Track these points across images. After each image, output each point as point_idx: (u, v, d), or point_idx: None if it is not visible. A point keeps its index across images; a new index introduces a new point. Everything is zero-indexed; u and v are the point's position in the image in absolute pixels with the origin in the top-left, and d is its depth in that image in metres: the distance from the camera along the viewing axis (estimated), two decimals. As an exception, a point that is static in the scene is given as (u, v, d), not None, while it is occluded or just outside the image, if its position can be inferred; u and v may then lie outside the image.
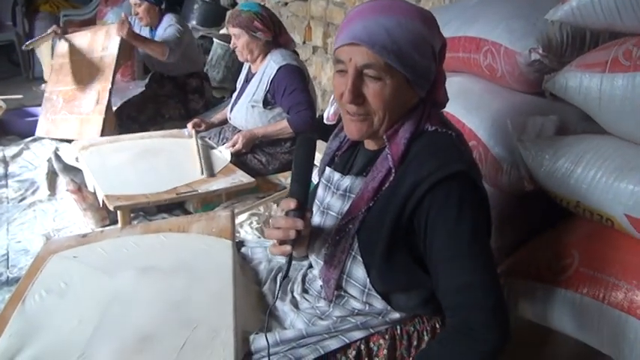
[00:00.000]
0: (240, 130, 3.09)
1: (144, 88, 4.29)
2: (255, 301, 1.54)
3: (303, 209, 1.29)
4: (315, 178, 1.90)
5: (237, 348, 1.29)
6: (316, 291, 1.47)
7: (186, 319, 1.38)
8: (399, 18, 1.21)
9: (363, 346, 1.33)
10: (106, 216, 2.88)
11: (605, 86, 1.46)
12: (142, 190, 2.48)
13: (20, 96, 4.69)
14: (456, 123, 1.67)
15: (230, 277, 1.53)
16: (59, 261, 1.69)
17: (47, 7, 6.53)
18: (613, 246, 1.46)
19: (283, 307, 1.46)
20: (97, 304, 1.47)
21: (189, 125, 3.24)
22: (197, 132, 3.18)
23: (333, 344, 1.31)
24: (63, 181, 3.17)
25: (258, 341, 1.32)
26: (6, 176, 3.68)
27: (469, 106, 1.85)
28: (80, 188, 2.83)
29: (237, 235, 2.39)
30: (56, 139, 4.16)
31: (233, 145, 2.94)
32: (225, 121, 3.38)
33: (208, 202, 2.75)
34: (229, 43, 3.17)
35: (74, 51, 4.21)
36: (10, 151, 4.06)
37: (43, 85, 4.46)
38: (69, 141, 3.80)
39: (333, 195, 1.43)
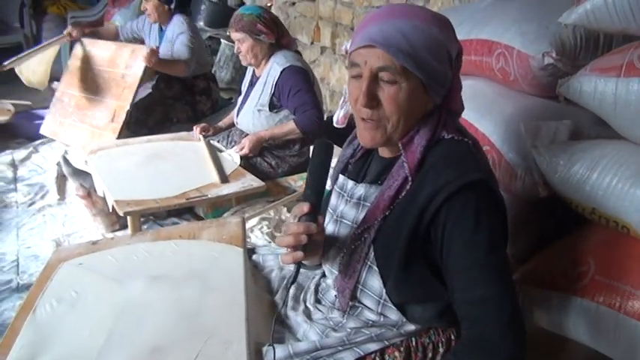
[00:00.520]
0: (247, 134, 3.08)
1: (150, 90, 4.30)
2: (267, 310, 1.53)
3: (315, 214, 1.28)
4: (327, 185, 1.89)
5: (250, 360, 1.28)
6: (329, 301, 1.45)
7: (197, 330, 1.36)
8: (415, 22, 1.21)
9: (378, 359, 1.31)
10: (116, 221, 2.87)
11: (620, 91, 1.44)
12: (151, 194, 2.47)
13: (29, 102, 4.70)
14: (469, 127, 1.65)
15: (242, 286, 1.52)
16: (70, 269, 1.68)
17: (55, 9, 6.53)
18: (630, 254, 1.44)
19: (296, 318, 1.44)
20: (108, 314, 1.45)
21: (196, 130, 3.24)
22: (205, 136, 3.17)
23: (347, 357, 1.29)
24: (72, 185, 3.16)
25: (271, 353, 1.30)
26: (15, 180, 3.67)
27: (482, 110, 1.83)
28: (90, 193, 2.83)
29: (248, 239, 2.37)
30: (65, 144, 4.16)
31: (241, 149, 2.93)
32: (232, 125, 3.38)
33: (218, 206, 2.74)
34: (237, 43, 3.16)
35: (94, 59, 4.19)
36: (19, 154, 4.05)
37: (56, 83, 4.45)
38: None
39: (346, 203, 1.41)
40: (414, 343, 1.33)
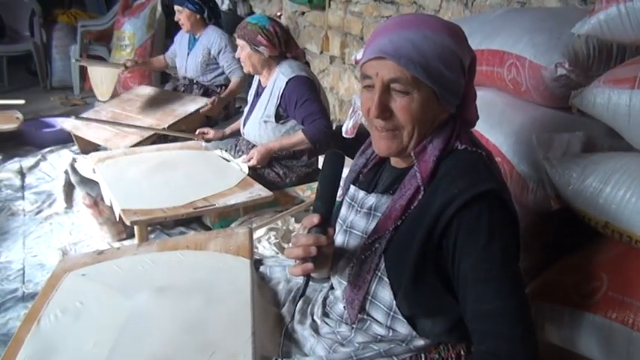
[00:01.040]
0: (255, 145, 3.07)
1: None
2: (274, 323, 1.51)
3: (325, 226, 1.26)
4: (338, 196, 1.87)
5: (256, 375, 1.26)
6: (337, 315, 1.42)
7: (203, 343, 1.35)
8: (425, 32, 1.20)
9: (386, 375, 1.29)
10: (123, 230, 2.86)
11: (634, 103, 1.43)
12: (158, 203, 2.46)
13: (22, 101, 4.56)
14: (479, 138, 1.63)
15: (248, 299, 1.50)
16: (75, 279, 1.67)
17: (65, 18, 6.53)
18: (644, 270, 1.41)
19: (303, 332, 1.42)
20: (112, 325, 1.44)
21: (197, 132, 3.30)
22: (206, 140, 3.19)
23: (355, 373, 1.27)
24: (80, 194, 3.15)
25: None
26: (22, 188, 3.67)
27: (492, 121, 1.81)
28: (96, 202, 2.81)
29: (255, 250, 2.36)
30: (74, 152, 4.17)
31: (249, 160, 2.92)
32: (238, 132, 3.38)
33: (226, 215, 2.73)
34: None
35: (154, 96, 4.26)
36: (27, 162, 4.06)
37: (98, 104, 4.45)
38: (86, 152, 3.81)
39: (357, 213, 1.39)
40: (423, 358, 1.30)
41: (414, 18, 1.25)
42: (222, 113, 4.29)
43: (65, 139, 4.35)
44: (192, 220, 2.96)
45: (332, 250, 1.35)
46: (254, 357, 1.29)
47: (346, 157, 1.36)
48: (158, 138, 3.71)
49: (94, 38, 6.30)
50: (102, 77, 4.13)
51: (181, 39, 4.44)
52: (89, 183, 2.93)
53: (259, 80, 3.16)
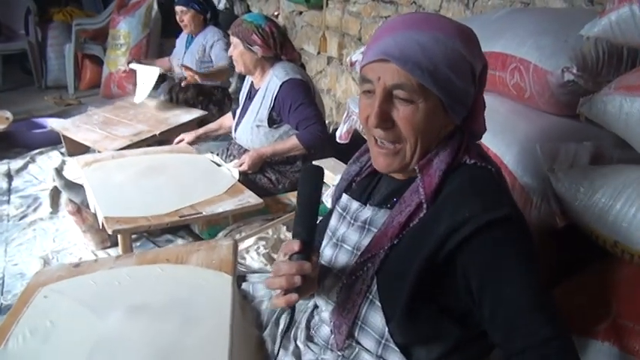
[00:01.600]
0: (247, 150, 2.96)
1: (167, 96, 4.31)
2: (255, 348, 1.40)
3: (308, 251, 1.14)
4: (327, 203, 1.75)
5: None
6: (322, 339, 1.31)
7: (175, 371, 1.24)
8: (435, 34, 1.08)
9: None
10: (107, 238, 2.73)
11: (648, 111, 1.31)
12: (144, 211, 2.35)
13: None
14: (479, 148, 1.53)
15: (227, 319, 1.40)
16: (48, 294, 1.58)
17: (60, 16, 6.45)
18: (656, 294, 1.29)
19: (285, 358, 1.31)
20: (80, 350, 1.34)
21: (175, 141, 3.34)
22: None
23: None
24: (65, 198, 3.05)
25: None
26: (9, 191, 3.55)
27: (494, 129, 1.69)
28: (79, 209, 2.70)
29: (243, 261, 2.25)
30: (63, 154, 4.07)
31: (240, 165, 2.82)
32: (216, 131, 3.43)
33: (214, 223, 2.62)
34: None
35: (149, 105, 4.23)
36: (16, 164, 3.94)
37: (90, 108, 4.46)
38: (74, 155, 3.70)
39: (349, 226, 1.28)
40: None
41: (423, 17, 1.13)
42: (215, 115, 4.19)
43: (55, 140, 4.21)
44: (180, 228, 2.85)
45: (317, 273, 1.22)
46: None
47: (335, 160, 1.24)
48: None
49: (89, 37, 6.21)
50: (143, 80, 4.09)
51: (180, 39, 4.45)
52: (74, 187, 2.81)
53: (252, 82, 3.06)
